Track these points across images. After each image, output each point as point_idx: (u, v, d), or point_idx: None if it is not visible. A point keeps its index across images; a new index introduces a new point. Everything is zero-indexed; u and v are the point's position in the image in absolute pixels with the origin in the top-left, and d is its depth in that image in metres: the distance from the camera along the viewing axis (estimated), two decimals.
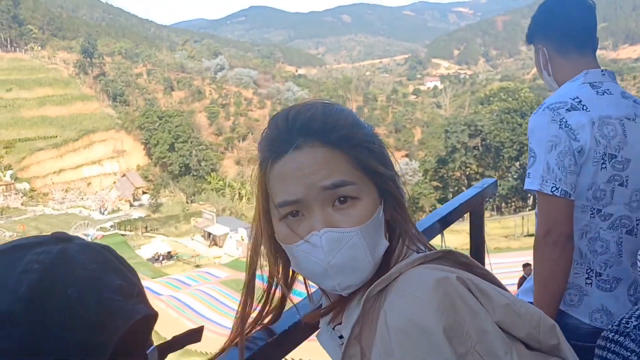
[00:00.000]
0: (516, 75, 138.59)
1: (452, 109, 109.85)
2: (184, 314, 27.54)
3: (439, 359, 0.72)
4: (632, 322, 0.82)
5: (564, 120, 1.79)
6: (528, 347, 0.80)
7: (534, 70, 2.28)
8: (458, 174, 55.88)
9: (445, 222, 1.99)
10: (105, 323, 0.59)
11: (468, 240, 2.45)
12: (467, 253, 1.41)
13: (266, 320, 1.08)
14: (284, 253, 0.92)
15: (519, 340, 0.80)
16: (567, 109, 1.80)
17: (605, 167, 1.80)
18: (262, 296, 1.03)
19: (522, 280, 10.78)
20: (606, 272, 1.88)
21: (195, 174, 77.23)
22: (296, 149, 0.85)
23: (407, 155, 79.43)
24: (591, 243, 1.87)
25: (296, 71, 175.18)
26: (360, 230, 0.85)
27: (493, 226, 39.99)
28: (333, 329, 0.97)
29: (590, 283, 1.88)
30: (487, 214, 47.51)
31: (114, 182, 75.16)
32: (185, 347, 0.78)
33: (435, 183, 55.42)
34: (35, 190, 70.92)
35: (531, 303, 1.35)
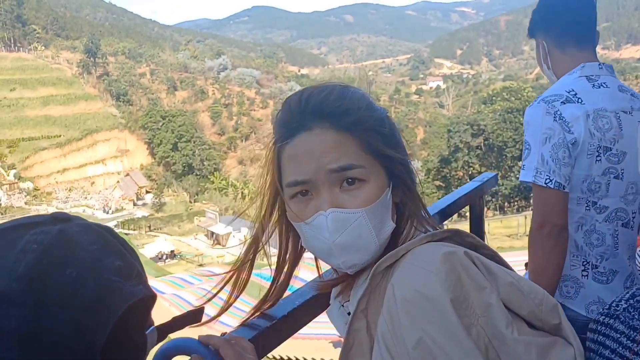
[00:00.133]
0: (519, 75, 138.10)
1: (455, 109, 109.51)
2: (182, 313, 27.59)
3: (446, 328, 0.73)
4: (622, 305, 0.85)
5: (559, 112, 1.81)
6: (530, 326, 0.81)
7: (537, 69, 2.31)
8: (461, 173, 55.75)
9: (444, 215, 2.01)
10: (104, 304, 0.59)
11: None
12: None
13: (266, 306, 1.11)
14: (295, 231, 0.96)
15: (522, 318, 0.81)
16: (561, 102, 1.82)
17: (600, 160, 1.81)
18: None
19: None
20: (602, 264, 1.89)
21: (198, 173, 77.24)
22: (307, 130, 0.87)
23: (409, 155, 79.08)
24: (587, 235, 1.89)
25: (299, 71, 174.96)
26: (365, 211, 0.87)
27: (496, 225, 39.89)
28: (342, 305, 0.99)
29: (587, 275, 1.90)
30: (489, 213, 47.45)
31: (118, 182, 75.22)
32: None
33: (437, 182, 55.30)
34: (38, 190, 71.02)
35: None
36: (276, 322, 1.09)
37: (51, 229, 0.63)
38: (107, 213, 62.31)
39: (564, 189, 1.79)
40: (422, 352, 0.73)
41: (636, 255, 2.10)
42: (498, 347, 0.75)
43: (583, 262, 1.90)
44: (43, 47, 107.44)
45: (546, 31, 2.01)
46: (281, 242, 1.03)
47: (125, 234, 52.54)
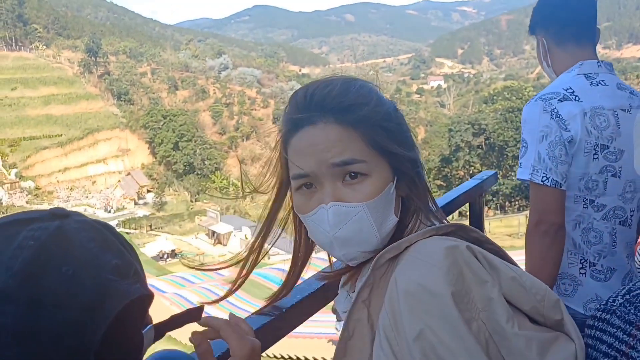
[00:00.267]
0: (520, 75, 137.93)
1: (456, 108, 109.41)
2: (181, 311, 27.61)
3: (447, 322, 0.74)
4: (618, 300, 0.85)
5: (556, 110, 1.81)
6: (532, 321, 0.81)
7: (538, 69, 2.31)
8: (462, 172, 55.69)
9: (444, 213, 2.02)
10: (100, 302, 0.59)
11: None
12: None
13: (281, 295, 1.13)
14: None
15: (524, 313, 0.81)
16: (559, 100, 1.82)
17: (597, 158, 1.81)
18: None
19: None
20: (600, 262, 1.90)
21: (199, 172, 77.21)
22: (312, 125, 0.88)
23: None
24: (584, 233, 1.89)
25: (300, 70, 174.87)
26: (367, 205, 0.87)
27: (497, 225, 39.89)
28: (349, 295, 1.00)
29: (584, 273, 1.90)
30: (490, 212, 47.41)
31: (119, 181, 75.27)
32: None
33: (438, 182, 55.24)
34: (40, 189, 71.03)
35: None
36: (286, 311, 1.11)
37: (49, 225, 0.62)
38: (110, 212, 62.33)
39: (560, 187, 1.79)
40: (422, 344, 0.74)
41: (636, 254, 2.11)
42: (498, 341, 0.75)
43: (581, 260, 1.91)
44: (44, 47, 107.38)
45: (546, 28, 2.01)
46: (295, 233, 1.04)
47: (127, 233, 52.57)
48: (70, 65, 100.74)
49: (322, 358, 16.45)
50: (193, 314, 0.80)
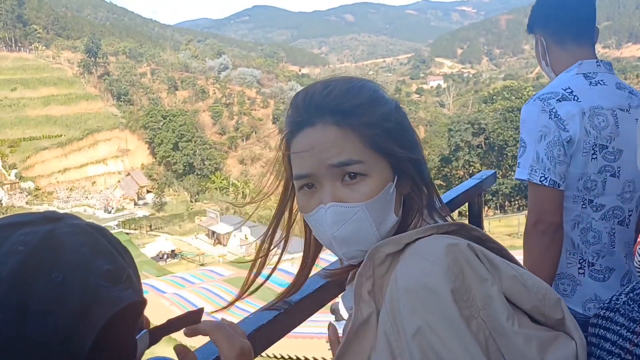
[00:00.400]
0: (519, 74, 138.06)
1: (456, 108, 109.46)
2: (178, 314, 27.61)
3: (446, 319, 0.74)
4: (621, 298, 0.85)
5: (554, 110, 1.80)
6: (533, 321, 0.81)
7: (538, 69, 2.29)
8: (461, 172, 55.70)
9: None
10: (89, 309, 0.58)
11: None
12: None
13: (291, 292, 1.14)
14: None
15: (524, 313, 0.81)
16: (557, 100, 1.82)
17: (596, 158, 1.81)
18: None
19: None
20: (599, 262, 1.89)
21: (199, 172, 77.25)
22: (311, 126, 0.90)
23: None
24: (583, 233, 1.88)
25: (299, 71, 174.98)
26: (365, 205, 0.88)
27: (496, 224, 39.95)
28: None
29: (583, 273, 1.90)
30: (490, 212, 47.44)
31: (119, 181, 75.26)
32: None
33: (438, 182, 55.25)
34: (39, 189, 71.03)
35: None
36: (292, 307, 1.12)
37: (40, 229, 0.61)
38: (110, 213, 62.33)
39: (559, 187, 1.79)
40: (420, 341, 0.74)
41: (635, 254, 2.11)
42: (498, 339, 0.75)
43: (579, 260, 1.90)
44: (44, 47, 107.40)
45: (545, 27, 2.01)
46: (305, 232, 1.06)
47: (126, 233, 52.58)
48: (69, 66, 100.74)
49: (323, 358, 16.48)
50: (192, 317, 0.79)
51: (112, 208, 63.75)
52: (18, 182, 70.04)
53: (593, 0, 1.99)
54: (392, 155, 0.91)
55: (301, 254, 1.08)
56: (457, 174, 55.93)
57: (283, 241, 1.04)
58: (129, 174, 76.15)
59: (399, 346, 0.76)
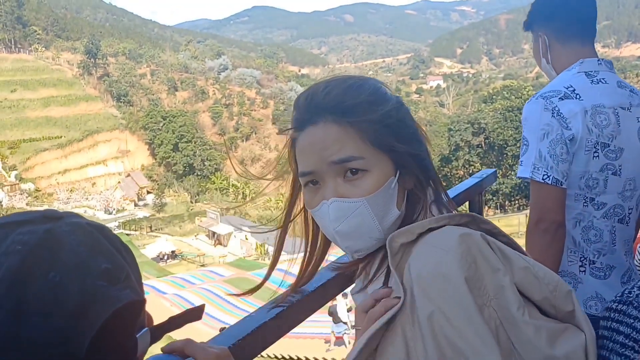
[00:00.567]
0: (519, 74, 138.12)
1: (455, 108, 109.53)
2: (179, 312, 27.58)
3: (459, 306, 0.75)
4: (634, 291, 0.84)
5: (557, 108, 1.80)
6: (543, 313, 0.82)
7: (537, 68, 2.27)
8: (461, 172, 55.68)
9: None
10: (86, 310, 0.57)
11: None
12: None
13: (299, 285, 1.15)
14: None
15: (534, 304, 0.81)
16: (560, 98, 1.81)
17: (598, 156, 1.81)
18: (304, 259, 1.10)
19: None
20: (599, 260, 1.89)
21: (199, 173, 77.25)
22: (313, 125, 0.93)
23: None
24: (585, 231, 1.88)
25: (299, 71, 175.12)
26: (367, 200, 0.91)
27: (497, 224, 39.59)
28: (365, 286, 1.01)
29: (584, 271, 1.90)
30: (490, 212, 47.40)
31: (119, 182, 75.28)
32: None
33: None
34: (40, 191, 70.99)
35: None
36: (305, 297, 1.14)
37: (38, 228, 0.61)
38: (110, 214, 62.32)
39: (561, 185, 1.79)
40: (432, 326, 0.74)
41: (636, 252, 2.11)
42: (509, 329, 0.76)
43: (580, 258, 1.90)
44: (43, 48, 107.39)
45: (547, 24, 1.99)
46: (312, 227, 1.08)
47: (127, 234, 52.57)
48: (69, 67, 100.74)
49: (323, 358, 16.47)
50: (193, 314, 0.79)
51: (113, 209, 63.73)
52: (18, 184, 70.02)
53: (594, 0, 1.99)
54: (392, 150, 0.93)
55: (301, 254, 1.10)
56: (457, 173, 55.91)
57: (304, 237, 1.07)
58: (129, 175, 76.17)
59: (413, 334, 0.76)
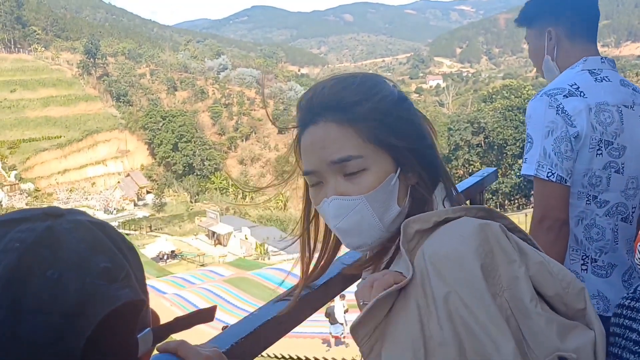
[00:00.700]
0: (519, 73, 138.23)
1: (455, 107, 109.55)
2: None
3: (474, 291, 0.75)
4: None
5: (561, 106, 1.79)
6: (553, 310, 0.82)
7: None
8: (461, 171, 55.70)
9: None
10: (83, 308, 0.57)
11: None
12: None
13: (309, 280, 1.16)
14: None
15: (545, 301, 0.81)
16: (564, 95, 1.81)
17: (601, 154, 1.80)
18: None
19: None
20: (601, 258, 1.88)
21: (199, 173, 77.30)
22: (314, 124, 0.94)
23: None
24: (587, 230, 1.87)
25: (299, 71, 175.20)
26: (366, 197, 0.92)
27: None
28: None
29: (586, 269, 1.89)
30: None
31: (118, 182, 75.28)
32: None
33: None
34: (39, 191, 70.99)
35: None
36: (306, 296, 1.14)
37: (38, 225, 0.60)
38: (111, 214, 62.31)
39: (565, 183, 1.78)
40: (449, 307, 0.75)
41: (636, 251, 2.10)
42: (520, 319, 0.76)
43: (582, 256, 1.90)
44: (43, 48, 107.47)
45: (558, 20, 1.96)
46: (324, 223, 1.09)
47: (126, 234, 52.19)
48: (69, 67, 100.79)
49: (323, 358, 16.49)
50: (204, 315, 0.77)
51: (112, 209, 63.73)
52: (18, 184, 70.04)
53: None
54: (392, 147, 0.93)
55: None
56: (456, 173, 55.93)
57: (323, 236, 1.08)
58: (128, 175, 76.16)
59: (428, 311, 0.76)
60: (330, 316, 15.70)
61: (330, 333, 16.46)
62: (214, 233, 49.42)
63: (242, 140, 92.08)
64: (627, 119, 1.84)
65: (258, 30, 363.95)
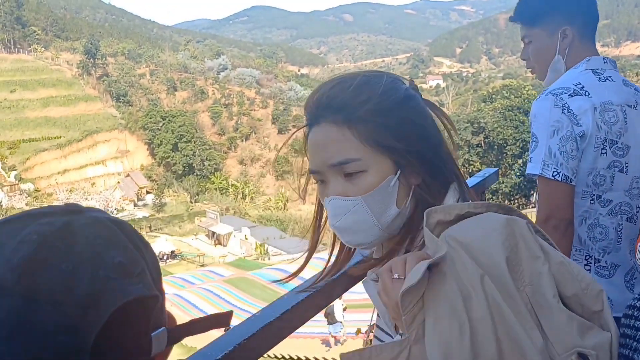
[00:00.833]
0: (519, 73, 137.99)
1: (455, 107, 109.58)
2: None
3: (501, 282, 0.75)
4: None
5: (567, 105, 1.79)
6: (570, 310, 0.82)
7: None
8: (461, 171, 55.78)
9: None
10: (95, 301, 0.58)
11: None
12: None
13: (324, 276, 1.16)
14: None
15: (563, 302, 0.82)
16: (569, 95, 1.80)
17: (606, 153, 1.80)
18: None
19: None
20: (604, 258, 1.88)
21: (198, 173, 77.32)
22: (317, 125, 0.96)
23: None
24: (590, 229, 1.87)
25: (298, 71, 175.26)
26: (363, 198, 0.93)
27: None
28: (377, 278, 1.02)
29: (589, 269, 1.89)
30: None
31: (118, 182, 75.28)
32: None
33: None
34: (39, 191, 70.98)
35: None
36: (309, 296, 1.15)
37: (57, 220, 0.62)
38: (111, 214, 62.14)
39: (571, 182, 1.77)
40: (485, 288, 0.74)
41: (637, 251, 2.09)
42: (541, 314, 0.76)
43: (586, 256, 1.89)
44: (43, 49, 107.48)
45: (573, 19, 1.93)
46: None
47: None
48: (68, 67, 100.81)
49: (323, 358, 16.49)
50: (220, 320, 0.76)
51: (112, 209, 63.72)
52: (18, 184, 70.04)
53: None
54: (391, 149, 0.93)
55: (300, 254, 1.13)
56: None
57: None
58: (128, 175, 76.17)
59: (466, 287, 0.76)
60: (330, 315, 15.75)
61: (330, 333, 16.50)
62: (213, 233, 49.46)
63: (242, 141, 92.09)
64: (631, 118, 1.84)
65: (258, 31, 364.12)
